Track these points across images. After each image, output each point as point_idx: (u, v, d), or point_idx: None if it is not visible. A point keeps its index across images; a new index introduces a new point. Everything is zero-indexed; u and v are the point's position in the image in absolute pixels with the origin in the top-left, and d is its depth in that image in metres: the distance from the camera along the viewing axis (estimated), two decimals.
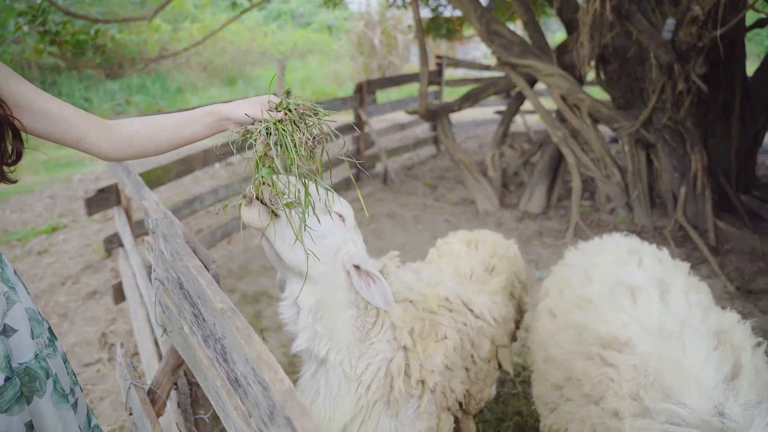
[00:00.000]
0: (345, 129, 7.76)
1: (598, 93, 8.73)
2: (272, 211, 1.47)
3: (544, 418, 2.02)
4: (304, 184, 1.41)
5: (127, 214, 3.97)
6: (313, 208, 1.45)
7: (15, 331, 1.35)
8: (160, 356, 3.24)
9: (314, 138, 1.34)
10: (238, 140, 1.39)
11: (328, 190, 1.49)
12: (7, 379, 1.30)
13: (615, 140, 8.55)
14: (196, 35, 16.08)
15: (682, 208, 5.75)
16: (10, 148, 1.28)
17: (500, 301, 2.35)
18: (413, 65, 18.03)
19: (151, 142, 1.40)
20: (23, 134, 1.30)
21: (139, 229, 4.23)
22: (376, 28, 17.08)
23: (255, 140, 1.35)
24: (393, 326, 1.76)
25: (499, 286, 2.47)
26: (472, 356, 1.98)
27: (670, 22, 5.27)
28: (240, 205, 1.45)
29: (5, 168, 1.30)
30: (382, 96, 10.26)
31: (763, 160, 8.43)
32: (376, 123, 9.21)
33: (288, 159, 1.32)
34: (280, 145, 1.33)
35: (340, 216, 1.62)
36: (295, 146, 1.31)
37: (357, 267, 1.64)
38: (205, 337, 1.32)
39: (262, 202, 1.45)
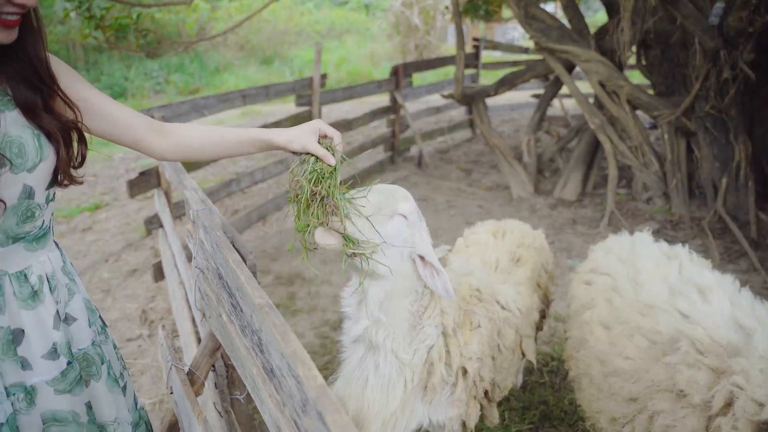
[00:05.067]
0: (381, 111, 7.80)
1: (638, 77, 8.50)
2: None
3: None
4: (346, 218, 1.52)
5: (167, 196, 4.10)
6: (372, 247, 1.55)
7: (75, 319, 1.48)
8: (197, 335, 3.37)
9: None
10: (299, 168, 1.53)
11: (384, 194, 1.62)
12: (68, 363, 1.44)
13: (654, 126, 8.32)
14: (234, 14, 16.19)
15: (723, 198, 5.61)
16: (75, 150, 1.37)
17: (525, 291, 2.38)
18: (451, 45, 17.80)
19: (201, 150, 1.53)
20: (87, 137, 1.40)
21: (178, 211, 4.37)
22: (414, 7, 16.89)
23: (316, 177, 1.47)
24: (441, 312, 1.84)
25: (525, 277, 2.49)
26: (498, 345, 2.03)
27: (719, 7, 5.09)
28: (311, 232, 1.55)
29: (72, 171, 1.39)
30: (418, 78, 10.20)
31: None
32: (411, 105, 9.18)
33: (331, 194, 1.49)
34: (330, 189, 1.48)
35: (403, 216, 1.64)
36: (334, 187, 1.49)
37: (422, 257, 1.70)
38: (243, 327, 1.39)
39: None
